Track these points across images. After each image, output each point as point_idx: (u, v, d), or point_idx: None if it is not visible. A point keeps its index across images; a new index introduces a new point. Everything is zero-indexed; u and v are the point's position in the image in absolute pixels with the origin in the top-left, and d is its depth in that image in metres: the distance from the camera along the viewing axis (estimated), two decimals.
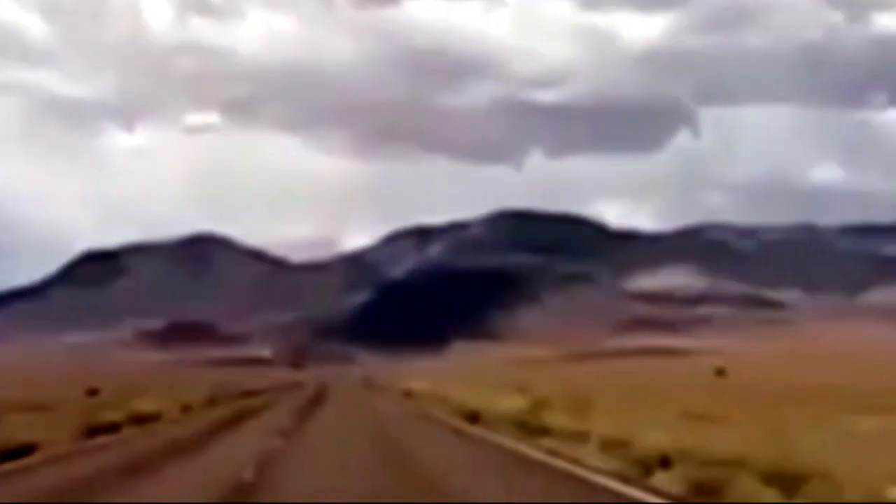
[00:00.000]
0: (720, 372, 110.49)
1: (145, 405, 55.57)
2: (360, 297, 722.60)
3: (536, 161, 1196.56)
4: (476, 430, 41.46)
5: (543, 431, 35.14)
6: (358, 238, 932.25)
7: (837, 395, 54.01)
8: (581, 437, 31.04)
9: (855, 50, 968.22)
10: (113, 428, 44.89)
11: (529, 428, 36.81)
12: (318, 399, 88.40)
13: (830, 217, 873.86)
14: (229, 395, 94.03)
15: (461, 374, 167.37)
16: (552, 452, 29.74)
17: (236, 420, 54.99)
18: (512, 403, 44.37)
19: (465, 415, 48.48)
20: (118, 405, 53.87)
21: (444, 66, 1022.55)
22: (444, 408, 58.67)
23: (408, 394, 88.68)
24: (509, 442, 34.76)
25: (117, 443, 39.33)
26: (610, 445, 27.38)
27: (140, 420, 50.58)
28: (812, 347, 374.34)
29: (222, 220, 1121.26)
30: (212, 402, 79.61)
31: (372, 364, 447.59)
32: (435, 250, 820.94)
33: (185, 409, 65.88)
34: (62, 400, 67.24)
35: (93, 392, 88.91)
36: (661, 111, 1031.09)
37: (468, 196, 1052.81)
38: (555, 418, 36.44)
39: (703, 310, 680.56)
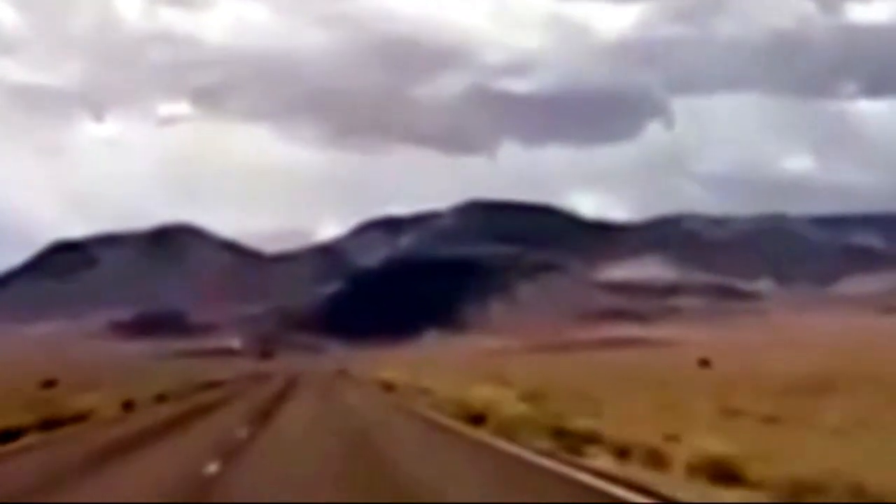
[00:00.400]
0: (704, 363, 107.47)
1: (84, 402, 50.65)
2: (331, 288, 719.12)
3: (509, 151, 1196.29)
4: (490, 439, 31.94)
5: (583, 441, 26.05)
6: (329, 228, 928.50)
7: (845, 385, 50.82)
8: (649, 454, 22.38)
9: (827, 40, 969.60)
10: (10, 436, 37.24)
11: (558, 434, 27.68)
12: (284, 393, 78.78)
13: (802, 207, 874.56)
14: (188, 389, 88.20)
15: (435, 364, 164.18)
16: (644, 490, 19.96)
17: (178, 423, 45.27)
18: (503, 397, 37.86)
19: (463, 413, 38.59)
20: (64, 400, 49.57)
21: (416, 55, 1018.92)
22: (432, 403, 49.67)
23: (388, 387, 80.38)
24: (552, 463, 24.81)
25: None
26: (712, 470, 19.27)
27: (53, 424, 42.41)
28: (784, 338, 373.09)
29: (194, 211, 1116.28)
30: (161, 398, 71.79)
31: (343, 354, 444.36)
32: (406, 241, 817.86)
33: (127, 406, 57.44)
34: (7, 394, 62.18)
35: (48, 384, 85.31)
36: (633, 101, 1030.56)
37: (440, 186, 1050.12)
38: (578, 420, 28.12)
39: (674, 300, 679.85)
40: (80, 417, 46.23)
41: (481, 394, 41.58)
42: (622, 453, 23.78)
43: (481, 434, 33.85)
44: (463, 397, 42.28)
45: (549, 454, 26.47)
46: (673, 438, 22.32)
